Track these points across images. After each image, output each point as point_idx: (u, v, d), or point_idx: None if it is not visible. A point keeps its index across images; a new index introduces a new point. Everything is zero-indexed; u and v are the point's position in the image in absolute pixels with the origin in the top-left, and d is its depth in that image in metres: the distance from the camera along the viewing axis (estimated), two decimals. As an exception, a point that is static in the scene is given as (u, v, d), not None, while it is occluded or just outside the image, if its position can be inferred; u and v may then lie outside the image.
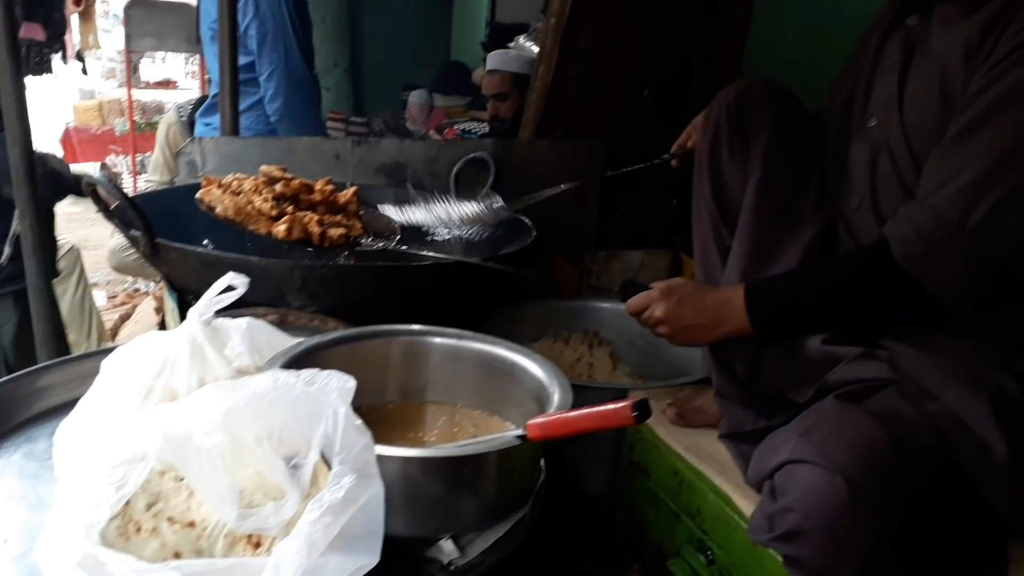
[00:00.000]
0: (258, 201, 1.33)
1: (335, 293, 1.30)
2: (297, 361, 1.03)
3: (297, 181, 1.42)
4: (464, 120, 3.75)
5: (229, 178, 1.43)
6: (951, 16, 1.06)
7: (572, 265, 2.05)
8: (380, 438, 1.03)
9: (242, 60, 2.36)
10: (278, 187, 1.39)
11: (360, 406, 1.13)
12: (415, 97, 3.91)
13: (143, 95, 5.83)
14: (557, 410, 0.97)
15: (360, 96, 4.25)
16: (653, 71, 2.15)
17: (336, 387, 0.81)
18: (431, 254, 1.32)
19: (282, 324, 1.34)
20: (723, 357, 1.22)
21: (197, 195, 1.44)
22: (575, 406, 0.93)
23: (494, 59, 2.99)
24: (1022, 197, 0.95)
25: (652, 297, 1.23)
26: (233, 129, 1.90)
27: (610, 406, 0.85)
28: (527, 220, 1.71)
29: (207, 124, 2.51)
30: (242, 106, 2.40)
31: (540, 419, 0.88)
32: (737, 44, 2.26)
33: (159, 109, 4.96)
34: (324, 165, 1.88)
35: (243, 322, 1.07)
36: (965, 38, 1.02)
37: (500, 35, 3.58)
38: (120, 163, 5.56)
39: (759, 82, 1.24)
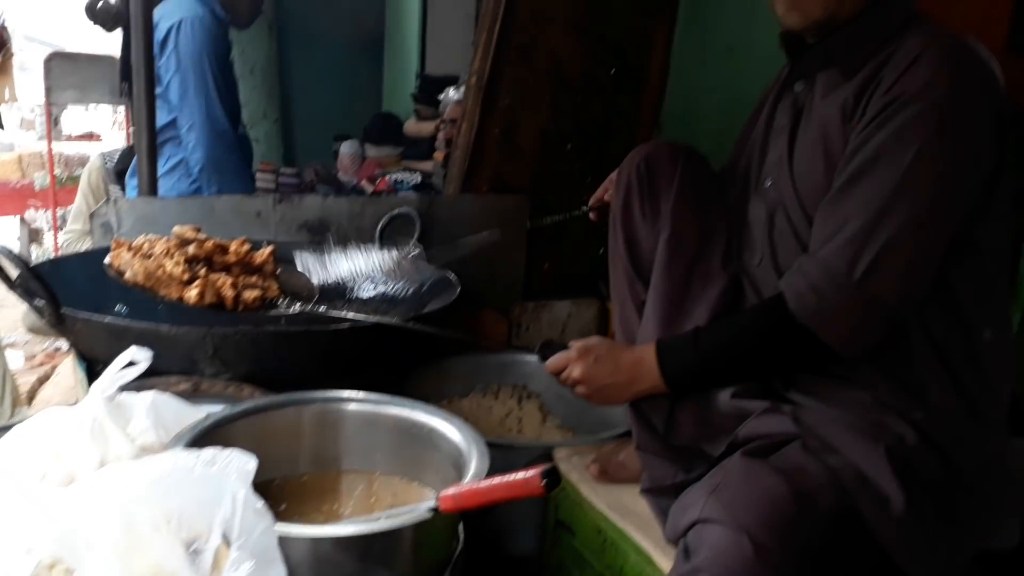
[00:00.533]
0: (169, 265, 1.30)
1: (249, 360, 1.28)
2: (203, 436, 1.00)
3: (211, 242, 1.39)
4: (396, 170, 3.76)
5: (140, 240, 1.39)
6: (831, 82, 1.12)
7: (500, 318, 2.06)
8: (294, 512, 1.01)
9: (166, 117, 2.34)
10: (191, 249, 1.36)
11: (273, 479, 1.11)
12: (346, 148, 3.91)
13: (65, 147, 5.66)
14: (473, 477, 0.96)
15: (291, 147, 4.22)
16: (575, 126, 2.20)
17: (236, 468, 0.79)
18: (350, 315, 1.31)
19: (195, 393, 1.30)
20: (641, 411, 1.24)
21: (106, 260, 1.40)
22: (500, 466, 0.93)
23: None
24: (900, 245, 1.00)
25: (569, 357, 1.24)
26: (151, 189, 1.86)
27: (520, 475, 0.85)
28: (452, 276, 1.71)
29: (136, 187, 2.47)
30: (166, 166, 2.38)
31: (452, 490, 0.88)
32: (655, 100, 2.34)
33: (82, 162, 4.83)
34: (246, 223, 1.86)
35: (148, 397, 1.04)
36: (842, 101, 1.08)
37: (431, 87, 3.62)
38: (40, 217, 5.37)
39: (665, 144, 1.29)
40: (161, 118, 2.32)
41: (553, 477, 0.84)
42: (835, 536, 0.92)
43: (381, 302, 1.76)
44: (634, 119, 2.31)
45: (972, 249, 1.06)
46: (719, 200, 1.27)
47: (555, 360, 1.26)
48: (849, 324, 1.03)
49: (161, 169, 2.36)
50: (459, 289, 1.61)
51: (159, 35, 2.26)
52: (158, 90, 2.29)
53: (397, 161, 3.90)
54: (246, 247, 1.41)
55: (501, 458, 1.40)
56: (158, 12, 2.29)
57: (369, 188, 3.82)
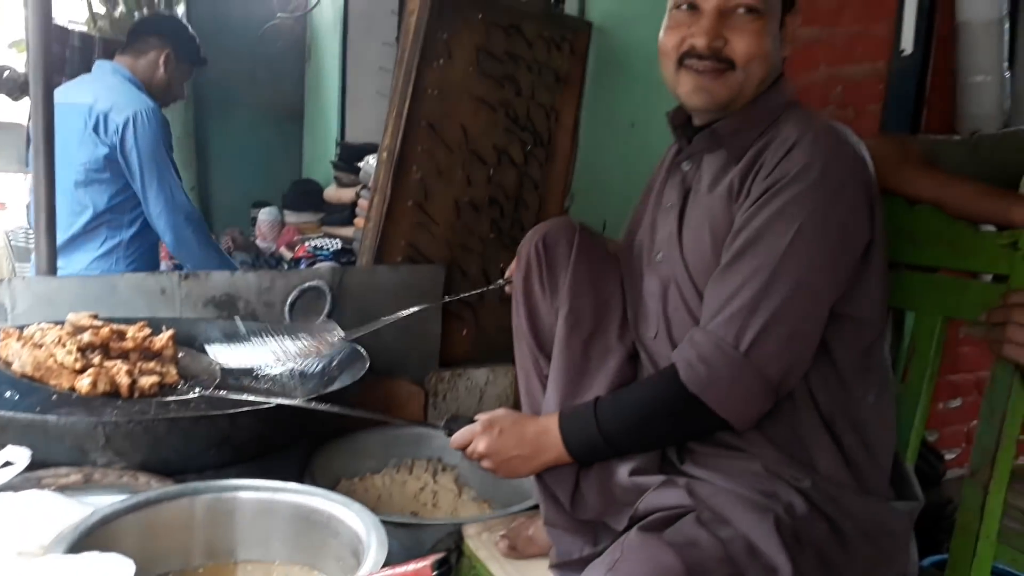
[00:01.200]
0: (61, 354, 1.26)
1: (144, 448, 1.23)
2: (88, 535, 0.96)
3: (107, 329, 1.35)
4: (316, 236, 3.74)
5: (31, 329, 1.34)
6: (717, 163, 1.19)
7: (416, 389, 2.05)
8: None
9: (105, 203, 2.34)
10: (86, 336, 1.32)
11: (166, 574, 1.07)
12: (265, 215, 3.88)
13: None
14: (369, 567, 0.95)
15: (208, 215, 4.16)
16: (488, 196, 2.25)
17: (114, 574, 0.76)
18: (249, 398, 1.29)
19: (88, 484, 1.25)
20: (547, 485, 1.25)
21: (-7, 348, 1.34)
22: (409, 544, 0.91)
23: None
24: (783, 318, 1.06)
25: (474, 431, 1.25)
26: (49, 267, 1.80)
27: (410, 567, 0.85)
28: (362, 350, 1.70)
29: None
30: (101, 249, 2.36)
31: (343, 584, 0.86)
32: (565, 171, 2.42)
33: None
34: (150, 302, 1.81)
35: (28, 497, 0.99)
36: (728, 183, 1.15)
37: (350, 154, 3.65)
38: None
39: (561, 222, 1.34)
40: (100, 203, 2.35)
41: (444, 567, 0.83)
42: (726, 609, 0.94)
43: (289, 379, 1.74)
44: (546, 189, 2.37)
45: (850, 319, 1.13)
46: (614, 275, 1.31)
47: (460, 435, 1.26)
48: (737, 395, 1.07)
49: (96, 252, 2.37)
50: (367, 364, 1.60)
51: (110, 127, 2.28)
52: (104, 175, 2.33)
53: (317, 227, 3.88)
54: (144, 332, 1.37)
55: (409, 537, 1.40)
56: (94, 100, 2.31)
57: (288, 255, 3.78)
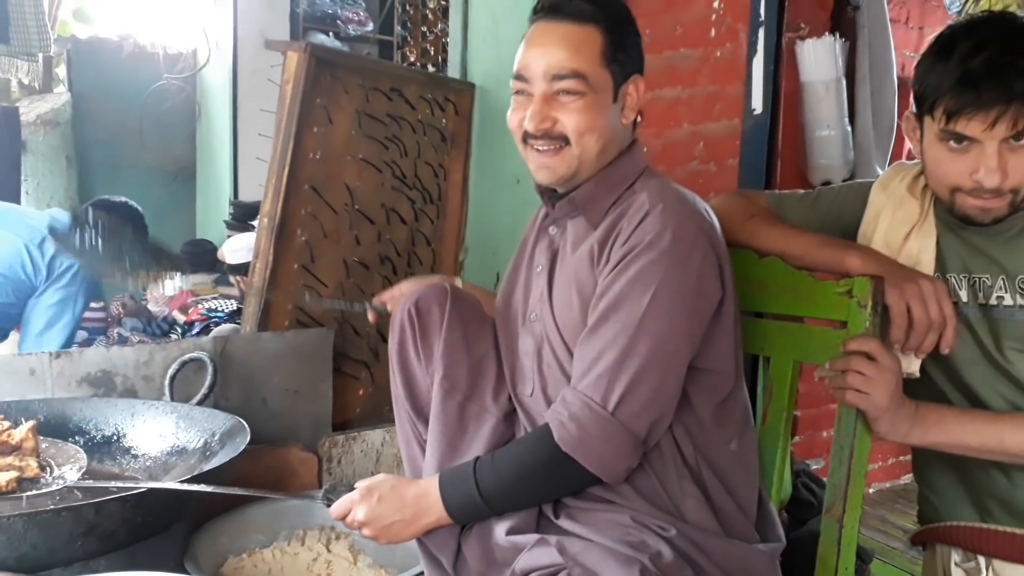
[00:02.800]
0: (-95, 453, 1.19)
1: (1, 547, 1.17)
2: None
3: (-41, 425, 1.29)
4: (211, 297, 3.65)
5: None
6: (579, 229, 1.25)
7: (308, 455, 2.01)
8: None
9: None
10: (-63, 434, 1.26)
11: None
12: (157, 278, 3.76)
13: None
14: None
15: (96, 281, 4.01)
16: (378, 254, 2.26)
17: None
18: (116, 484, 1.24)
19: (-62, 588, 1.17)
20: (429, 551, 1.25)
21: None
22: None
23: None
24: (645, 379, 1.11)
25: (353, 499, 1.24)
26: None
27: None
28: (243, 422, 1.66)
29: None
30: None
31: None
32: (456, 226, 2.47)
33: None
34: (17, 384, 1.72)
35: None
36: (589, 248, 1.20)
37: (244, 213, 3.60)
38: None
39: (432, 286, 1.35)
40: None
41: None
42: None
43: (169, 456, 1.68)
44: (440, 244, 2.41)
45: (706, 372, 1.19)
46: (486, 336, 1.34)
47: (339, 505, 1.25)
48: (607, 452, 1.11)
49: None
50: (247, 438, 1.56)
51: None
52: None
53: (212, 288, 3.79)
54: (3, 426, 1.31)
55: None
56: None
57: (182, 318, 3.67)
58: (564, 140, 1.19)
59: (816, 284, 1.29)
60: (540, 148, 1.20)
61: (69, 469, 1.31)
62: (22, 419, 1.38)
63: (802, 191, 1.47)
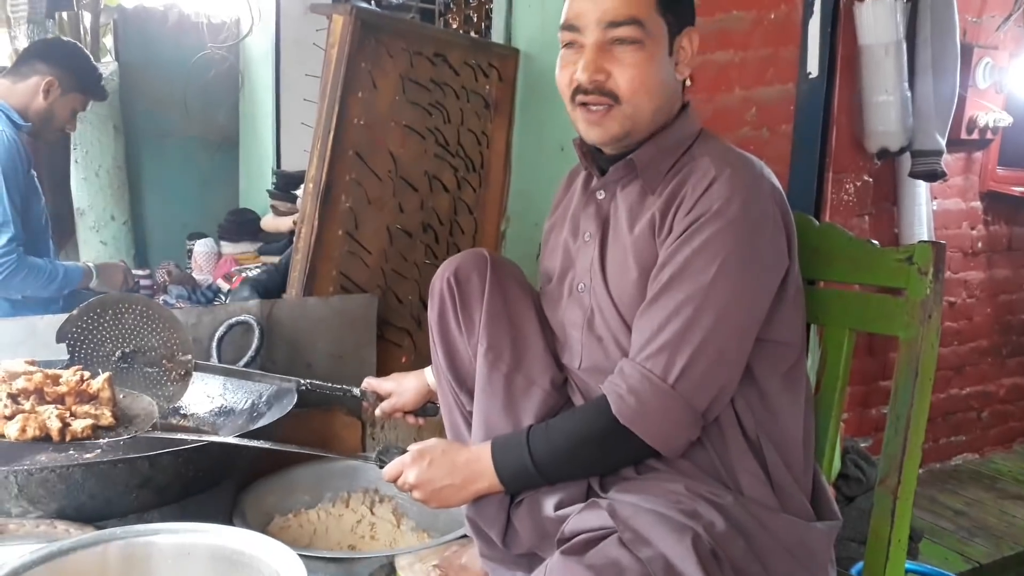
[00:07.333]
0: (-9, 401, 1.23)
1: (59, 496, 1.20)
2: (-9, 593, 0.93)
3: (41, 375, 1.32)
4: (254, 266, 3.69)
5: (-43, 378, 1.30)
6: (632, 195, 1.22)
7: (352, 420, 2.03)
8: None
9: None
10: (19, 383, 1.30)
11: (78, 627, 1.03)
12: (201, 246, 3.81)
13: None
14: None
15: (142, 248, 4.07)
16: (421, 222, 2.26)
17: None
18: (181, 436, 1.27)
19: (2, 535, 1.21)
20: (478, 526, 1.25)
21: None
22: None
23: None
24: (708, 352, 1.09)
25: (404, 462, 1.24)
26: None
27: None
28: (292, 383, 1.67)
29: None
30: None
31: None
32: (499, 195, 2.45)
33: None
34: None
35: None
36: (649, 217, 1.17)
37: (287, 182, 3.61)
38: None
39: (471, 255, 1.33)
40: None
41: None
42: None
43: (217, 416, 1.71)
44: (481, 213, 2.39)
45: (772, 344, 1.16)
46: (529, 305, 1.31)
47: (391, 467, 1.26)
48: (667, 425, 1.10)
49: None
50: (295, 399, 1.58)
51: None
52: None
53: (255, 257, 3.83)
54: (78, 376, 1.35)
55: (341, 572, 1.38)
56: None
57: (226, 286, 3.72)
58: (614, 98, 1.15)
59: (875, 250, 1.26)
60: (592, 108, 1.17)
61: (142, 420, 1.35)
62: (99, 370, 1.42)
63: None
